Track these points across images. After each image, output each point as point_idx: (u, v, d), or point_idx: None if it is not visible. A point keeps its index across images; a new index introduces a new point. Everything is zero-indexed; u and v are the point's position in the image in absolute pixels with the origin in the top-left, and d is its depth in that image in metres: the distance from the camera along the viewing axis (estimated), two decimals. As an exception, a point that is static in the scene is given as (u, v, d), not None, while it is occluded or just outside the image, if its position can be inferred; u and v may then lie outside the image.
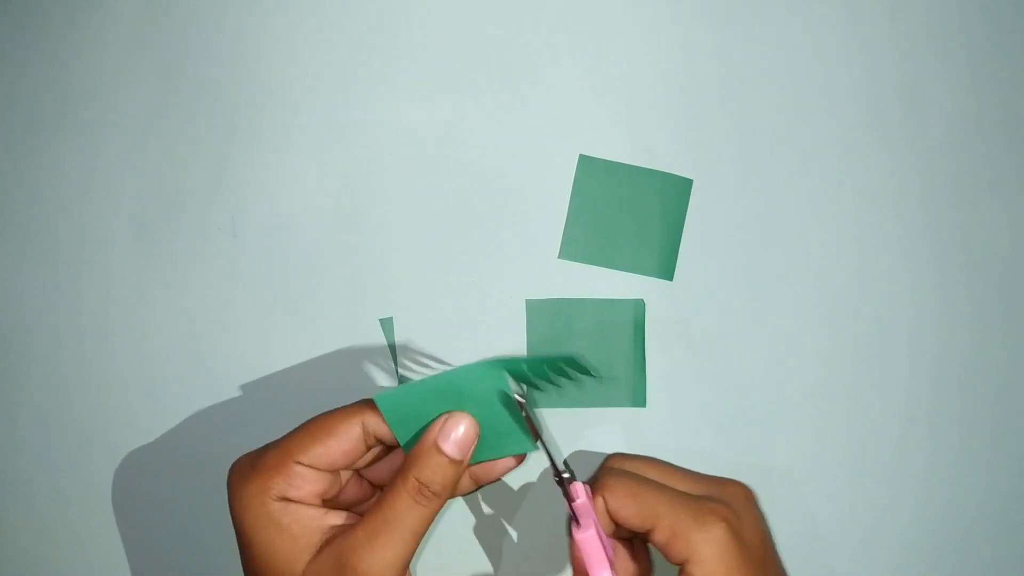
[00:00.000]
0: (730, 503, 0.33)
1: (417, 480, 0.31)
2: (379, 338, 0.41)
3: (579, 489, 0.33)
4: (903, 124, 0.42)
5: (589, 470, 0.35)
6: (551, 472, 0.33)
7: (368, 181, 0.42)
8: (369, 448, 0.33)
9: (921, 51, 0.42)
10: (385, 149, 0.42)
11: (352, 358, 0.41)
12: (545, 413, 0.41)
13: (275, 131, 0.42)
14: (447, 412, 0.32)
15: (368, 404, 0.33)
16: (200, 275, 0.42)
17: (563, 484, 0.33)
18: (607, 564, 0.32)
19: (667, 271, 0.41)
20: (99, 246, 0.42)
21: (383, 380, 0.41)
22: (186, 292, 0.42)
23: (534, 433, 0.33)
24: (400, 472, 0.32)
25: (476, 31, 0.42)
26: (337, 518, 0.33)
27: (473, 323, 0.41)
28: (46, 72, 0.43)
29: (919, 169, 0.42)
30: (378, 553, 0.31)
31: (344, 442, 0.32)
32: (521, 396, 0.32)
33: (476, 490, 0.36)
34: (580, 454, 0.41)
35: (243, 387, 0.41)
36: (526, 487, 0.41)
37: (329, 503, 0.34)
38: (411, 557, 0.32)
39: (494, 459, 0.34)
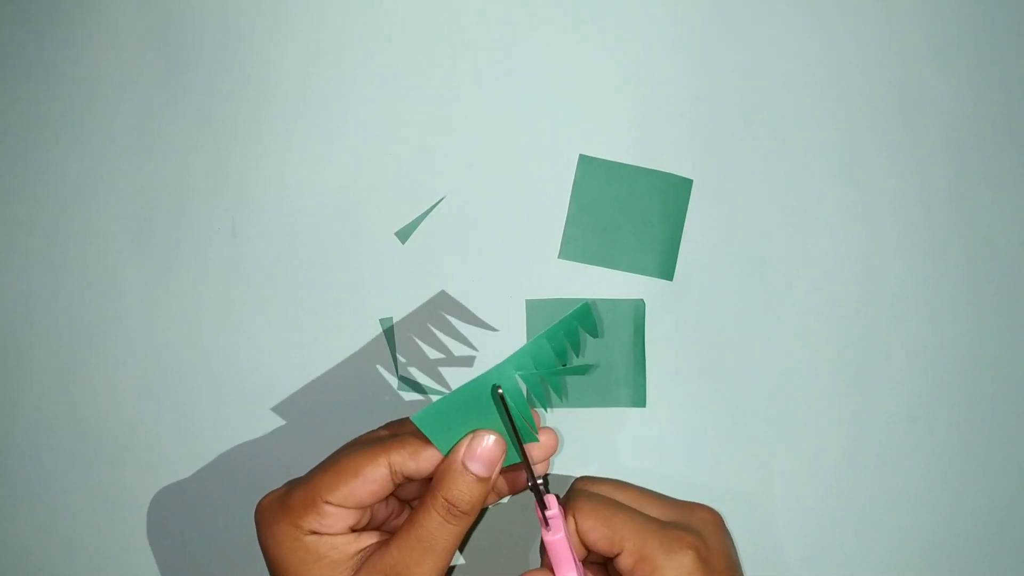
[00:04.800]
0: (699, 530, 0.33)
1: (446, 500, 0.32)
2: (379, 338, 0.41)
3: (552, 501, 0.33)
4: (903, 124, 0.42)
5: (586, 471, 0.35)
6: (527, 478, 0.34)
7: (368, 181, 0.42)
8: (398, 485, 0.34)
9: (921, 51, 0.42)
10: (385, 149, 0.42)
11: (352, 358, 0.41)
12: (544, 413, 0.41)
13: (275, 131, 0.42)
14: (473, 431, 0.33)
15: (392, 442, 0.33)
16: (200, 275, 0.42)
17: (537, 490, 0.33)
18: (573, 565, 0.33)
19: (667, 271, 0.41)
20: (100, 246, 0.42)
21: (383, 380, 0.41)
22: (186, 292, 0.42)
23: (516, 436, 0.33)
24: (429, 491, 0.32)
25: (476, 31, 0.42)
26: (368, 539, 0.33)
27: (473, 323, 0.41)
28: (46, 72, 0.43)
29: (919, 169, 0.42)
30: (414, 569, 0.32)
31: (371, 483, 0.33)
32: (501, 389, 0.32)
33: (499, 501, 0.36)
34: (577, 456, 0.41)
35: (243, 387, 0.41)
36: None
37: (359, 526, 0.34)
38: (444, 570, 0.32)
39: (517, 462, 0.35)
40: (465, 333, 0.41)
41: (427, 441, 0.33)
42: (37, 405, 0.42)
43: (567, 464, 0.41)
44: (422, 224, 0.42)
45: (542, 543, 0.34)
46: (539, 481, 0.33)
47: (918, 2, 0.42)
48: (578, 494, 0.34)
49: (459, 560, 0.41)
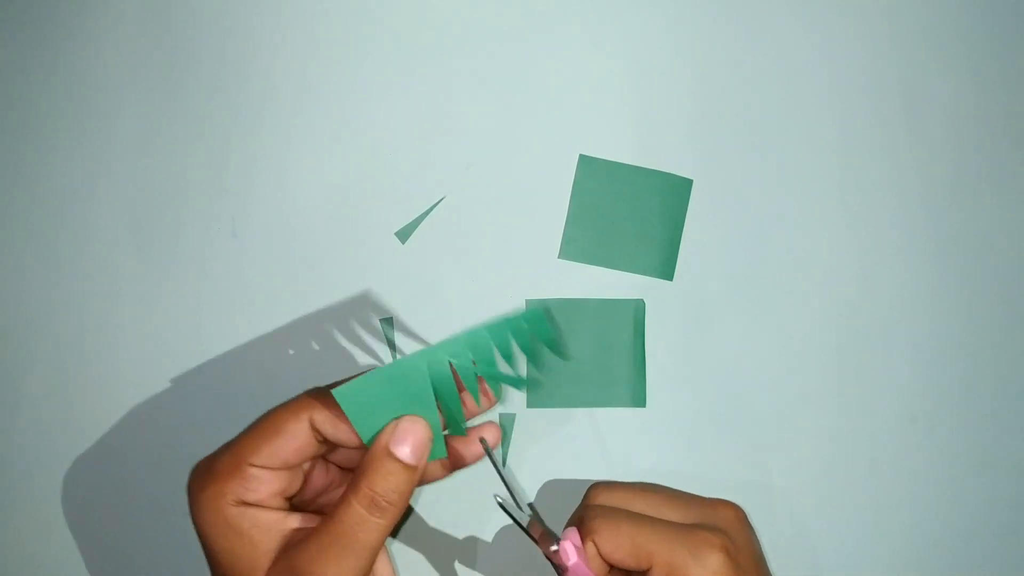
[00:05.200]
0: (725, 529, 0.32)
1: (371, 491, 0.30)
2: (379, 338, 0.41)
3: (569, 550, 0.31)
4: (903, 124, 0.42)
5: (581, 482, 0.35)
6: (540, 548, 0.32)
7: (368, 181, 0.42)
8: (321, 443, 0.32)
9: (922, 51, 0.42)
10: (385, 149, 0.42)
11: (352, 358, 0.41)
12: (545, 414, 0.41)
13: (275, 131, 0.42)
14: (397, 417, 0.30)
15: (315, 397, 0.31)
16: (200, 275, 0.42)
17: (551, 559, 0.31)
18: None
19: (667, 271, 0.41)
20: (100, 246, 0.42)
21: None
22: (186, 292, 0.42)
23: (516, 523, 0.32)
24: (351, 483, 0.30)
25: (476, 31, 0.42)
26: (297, 521, 0.31)
27: (473, 323, 0.41)
28: (46, 72, 0.43)
29: (919, 169, 0.42)
30: (330, 569, 0.29)
31: (294, 440, 0.31)
32: (500, 498, 0.32)
33: (449, 475, 0.35)
34: (577, 457, 0.41)
35: (243, 386, 0.41)
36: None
37: (295, 497, 0.33)
38: (368, 570, 0.30)
39: (457, 435, 0.33)
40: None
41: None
42: (37, 405, 0.42)
43: (568, 465, 0.41)
44: (422, 224, 0.42)
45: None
46: (553, 548, 0.31)
47: (918, 2, 0.42)
48: (593, 512, 0.33)
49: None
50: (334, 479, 0.35)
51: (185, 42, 0.43)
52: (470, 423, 0.35)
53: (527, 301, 0.41)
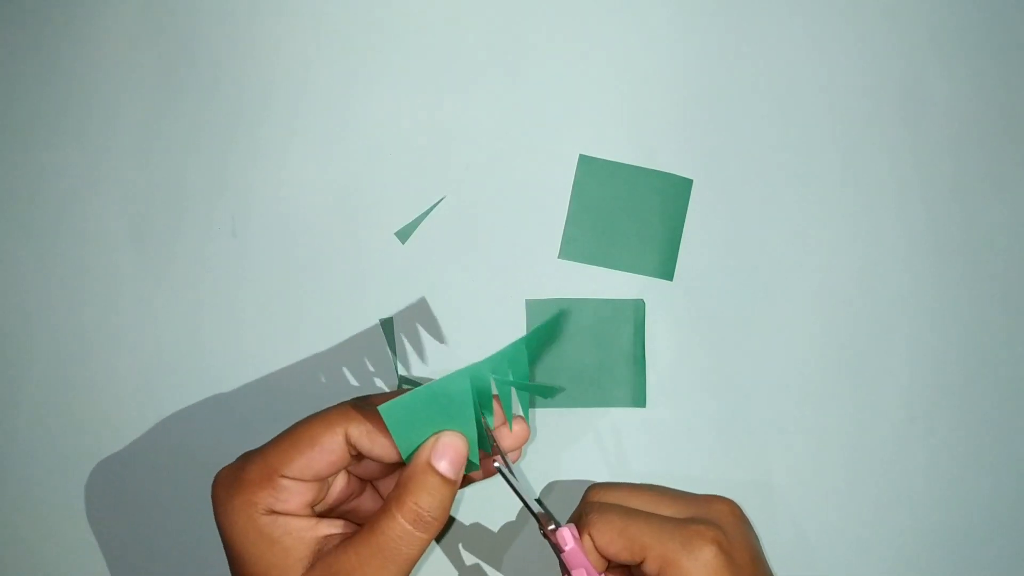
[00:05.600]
0: (718, 523, 0.32)
1: (417, 506, 0.30)
2: (379, 338, 0.41)
3: (566, 536, 0.32)
4: (903, 124, 0.42)
5: (582, 481, 0.35)
6: (537, 527, 0.33)
7: (368, 181, 0.42)
8: (354, 456, 0.32)
9: (922, 50, 0.42)
10: (385, 149, 0.42)
11: (352, 358, 0.41)
12: (545, 413, 0.41)
13: (275, 131, 0.42)
14: (437, 432, 0.31)
15: (350, 410, 0.32)
16: (201, 275, 0.42)
17: (549, 537, 0.32)
18: None
19: (667, 271, 0.41)
20: (99, 246, 0.42)
21: (383, 380, 0.41)
22: (186, 292, 0.42)
23: (517, 495, 0.32)
24: (394, 497, 0.30)
25: (476, 31, 0.42)
26: (328, 527, 0.31)
27: (473, 323, 0.41)
28: (46, 72, 0.43)
29: (919, 169, 0.42)
30: None
31: (328, 453, 0.31)
32: (497, 462, 0.32)
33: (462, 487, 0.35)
34: (577, 457, 0.41)
35: (243, 387, 0.41)
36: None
37: (318, 506, 0.33)
38: None
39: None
40: (465, 333, 0.41)
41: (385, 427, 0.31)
42: (37, 405, 0.42)
43: (568, 465, 0.41)
44: (422, 224, 0.42)
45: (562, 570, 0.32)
46: (551, 527, 0.32)
47: (918, 2, 0.42)
48: (590, 507, 0.33)
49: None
50: (354, 489, 0.35)
51: (185, 42, 0.43)
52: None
53: (527, 301, 0.41)
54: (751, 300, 0.41)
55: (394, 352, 0.41)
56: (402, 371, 0.41)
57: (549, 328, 0.34)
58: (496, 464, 0.33)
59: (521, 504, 0.33)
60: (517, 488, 0.32)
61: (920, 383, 0.41)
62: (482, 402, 0.32)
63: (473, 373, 0.31)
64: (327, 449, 0.31)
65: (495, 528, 0.41)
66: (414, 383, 0.41)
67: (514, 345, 0.32)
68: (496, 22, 0.42)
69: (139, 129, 0.42)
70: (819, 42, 0.42)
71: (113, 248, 0.42)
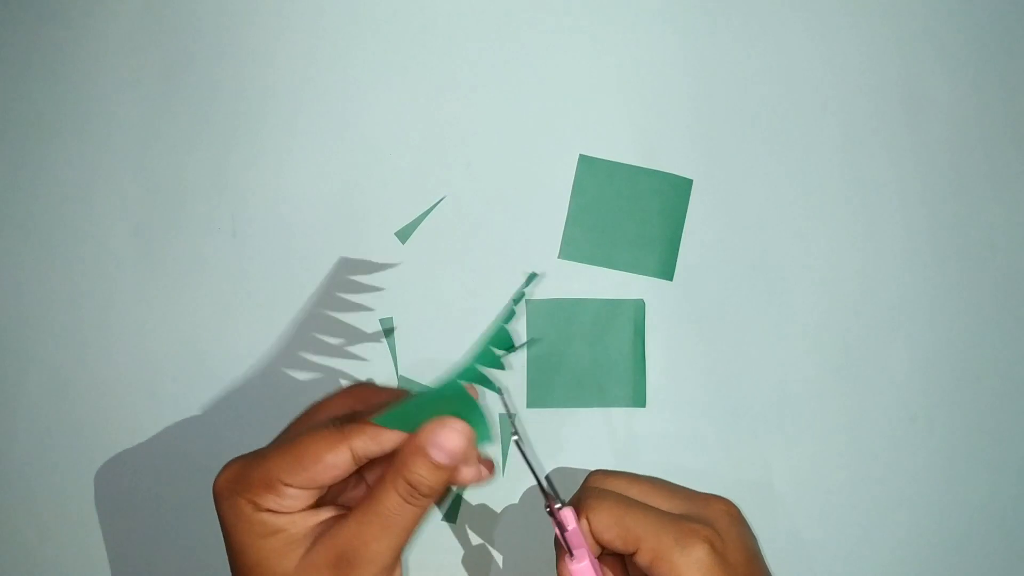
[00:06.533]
0: (713, 522, 0.33)
1: (407, 481, 0.31)
2: (379, 338, 0.41)
3: (569, 516, 0.33)
4: (903, 124, 0.42)
5: (581, 478, 0.35)
6: (543, 502, 0.33)
7: (368, 181, 0.42)
8: (358, 465, 0.33)
9: (922, 51, 0.42)
10: (385, 149, 0.42)
11: (352, 358, 0.41)
12: (545, 414, 0.41)
13: (275, 131, 0.42)
14: (440, 417, 0.32)
15: (351, 428, 0.32)
16: (200, 275, 0.42)
17: (554, 514, 0.33)
18: None
19: (667, 271, 0.41)
20: (99, 246, 0.42)
21: (384, 380, 0.41)
22: (186, 292, 0.42)
23: (529, 468, 0.33)
24: (391, 470, 0.32)
25: (476, 31, 0.42)
26: (326, 512, 0.33)
27: (473, 323, 0.41)
28: (46, 72, 0.43)
29: (919, 169, 0.42)
30: (372, 544, 0.31)
31: (332, 469, 0.32)
32: (516, 435, 0.33)
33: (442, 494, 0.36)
34: (577, 456, 0.41)
35: (243, 387, 0.41)
36: (511, 508, 0.41)
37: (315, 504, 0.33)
38: (402, 547, 0.32)
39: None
40: (465, 333, 0.41)
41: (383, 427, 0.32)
42: (36, 404, 0.42)
43: (567, 465, 0.41)
44: (422, 224, 0.42)
45: (559, 559, 0.33)
46: (556, 505, 0.33)
47: (918, 2, 0.42)
48: (589, 492, 0.34)
49: (479, 559, 0.41)
50: (350, 482, 0.36)
51: (185, 42, 0.43)
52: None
53: (527, 301, 0.41)
54: (751, 300, 0.41)
55: (394, 352, 0.41)
56: (402, 371, 0.41)
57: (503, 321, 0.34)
58: (515, 438, 0.34)
59: (523, 489, 0.33)
60: (531, 462, 0.33)
61: (920, 383, 0.41)
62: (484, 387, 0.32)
63: (460, 371, 0.31)
64: (331, 464, 0.32)
65: (498, 508, 0.41)
66: (414, 383, 0.41)
67: (498, 330, 0.32)
68: (496, 22, 0.42)
69: (139, 129, 0.42)
70: (819, 42, 0.42)
71: (113, 248, 0.42)
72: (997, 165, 0.42)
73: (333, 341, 0.41)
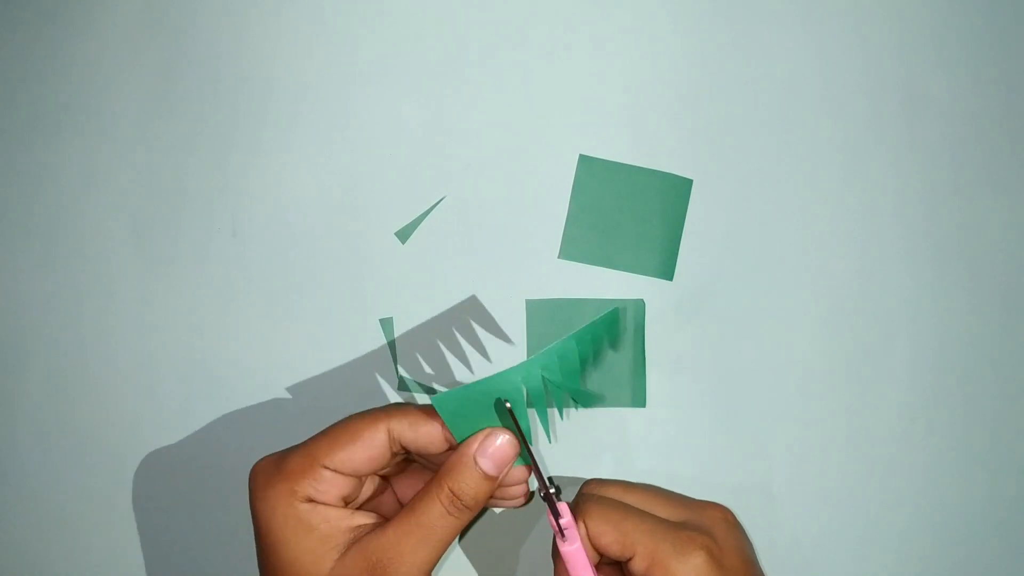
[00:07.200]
0: (710, 529, 0.33)
1: (452, 491, 0.32)
2: (379, 338, 0.41)
3: (565, 508, 0.33)
4: (904, 124, 0.42)
5: (582, 478, 0.35)
6: (538, 487, 0.33)
7: (368, 181, 0.42)
8: (395, 455, 0.33)
9: (922, 50, 0.42)
10: (385, 149, 0.42)
11: (352, 358, 0.41)
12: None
13: (275, 131, 0.42)
14: (489, 428, 0.32)
15: (393, 409, 0.33)
16: (200, 275, 0.42)
17: (550, 499, 0.33)
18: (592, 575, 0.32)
19: (667, 271, 0.41)
20: (99, 246, 0.42)
21: (383, 380, 0.41)
22: (186, 292, 0.42)
23: (524, 443, 0.33)
24: (435, 480, 0.32)
25: (476, 30, 0.42)
26: (364, 518, 0.33)
27: (473, 323, 0.41)
28: (46, 72, 0.43)
29: (919, 169, 0.42)
30: (407, 556, 0.31)
31: (369, 448, 0.32)
32: (507, 402, 0.32)
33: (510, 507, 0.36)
34: (577, 456, 0.41)
35: (243, 387, 0.41)
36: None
37: (351, 502, 0.34)
38: (438, 560, 0.32)
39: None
40: (465, 333, 0.41)
41: (429, 416, 0.32)
42: (36, 405, 0.42)
43: (568, 465, 0.41)
44: (422, 224, 0.42)
45: (555, 552, 0.33)
46: (552, 490, 0.33)
47: (918, 2, 0.42)
48: (587, 499, 0.34)
49: (472, 572, 0.41)
50: (379, 489, 0.36)
51: (184, 42, 0.43)
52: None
53: (527, 301, 0.41)
54: (751, 300, 0.41)
55: (394, 352, 0.41)
56: (402, 371, 0.41)
57: (602, 327, 0.34)
58: (507, 405, 0.33)
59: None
60: (527, 443, 0.33)
61: (920, 383, 0.41)
62: (536, 402, 0.32)
63: (525, 372, 0.32)
64: (368, 443, 0.32)
65: (498, 508, 0.41)
66: (414, 383, 0.41)
67: (565, 342, 0.32)
68: (496, 22, 0.42)
69: (139, 129, 0.42)
70: (819, 42, 0.42)
71: (113, 248, 0.42)
72: (997, 165, 0.42)
73: (333, 341, 0.41)
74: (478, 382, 0.32)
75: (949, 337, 0.41)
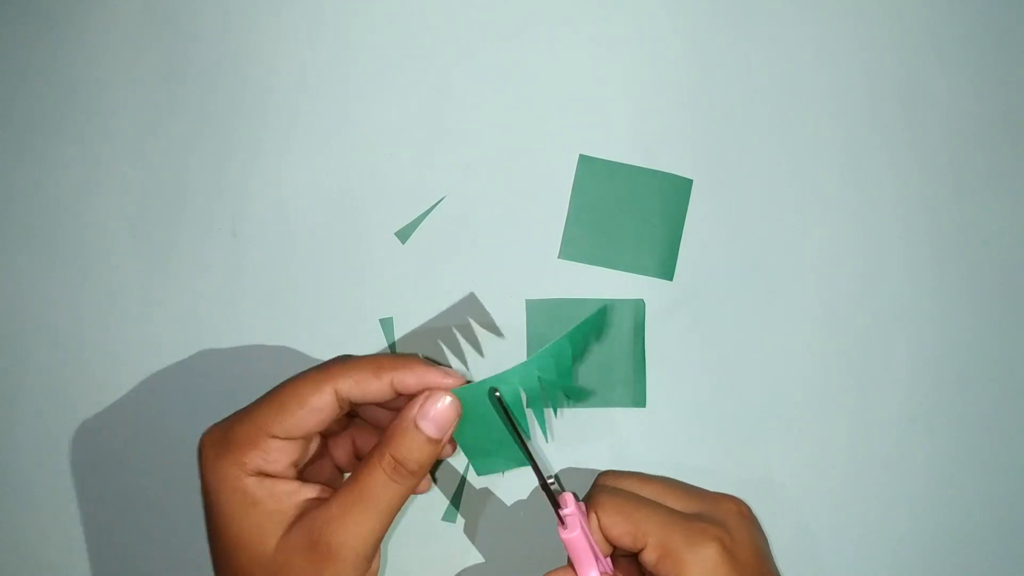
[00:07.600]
0: (723, 521, 0.33)
1: (393, 457, 0.31)
2: (379, 338, 0.41)
3: (568, 499, 0.33)
4: (904, 124, 0.42)
5: (583, 478, 0.35)
6: (537, 480, 0.33)
7: (368, 181, 0.42)
8: (343, 411, 0.33)
9: (922, 50, 0.42)
10: (385, 149, 0.42)
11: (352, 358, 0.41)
12: (545, 413, 0.41)
13: (275, 131, 0.42)
14: (428, 391, 0.32)
15: (335, 368, 0.32)
16: (200, 275, 0.42)
17: (548, 490, 0.33)
18: (594, 562, 0.32)
19: (667, 271, 0.41)
20: (99, 246, 0.42)
21: (383, 380, 0.41)
22: (186, 292, 0.42)
23: (520, 438, 0.32)
24: (376, 448, 0.31)
25: (476, 31, 0.42)
26: (311, 491, 0.32)
27: (473, 323, 0.41)
28: (46, 72, 0.43)
29: (919, 169, 0.42)
30: (351, 528, 0.30)
31: (318, 412, 0.31)
32: (499, 394, 0.32)
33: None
34: (578, 456, 0.41)
35: (243, 386, 0.41)
36: (519, 504, 0.41)
37: (300, 472, 0.33)
38: (384, 533, 0.31)
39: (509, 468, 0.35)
40: (465, 333, 0.41)
41: (374, 373, 0.32)
42: (36, 405, 0.42)
43: (567, 465, 0.41)
44: (422, 224, 0.42)
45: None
46: (550, 481, 0.33)
47: (918, 2, 0.42)
48: (599, 490, 0.34)
49: (480, 559, 0.41)
50: (332, 469, 0.36)
51: (184, 42, 0.43)
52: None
53: (527, 301, 0.41)
54: (751, 300, 0.41)
55: (394, 352, 0.41)
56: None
57: (592, 324, 0.34)
58: (497, 394, 0.32)
59: (526, 490, 0.33)
60: (521, 435, 0.33)
61: (920, 383, 0.41)
62: (531, 401, 0.32)
63: (522, 373, 0.32)
64: (316, 408, 0.32)
65: (498, 508, 0.41)
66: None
67: (558, 343, 0.32)
68: (496, 22, 0.42)
69: (139, 129, 0.42)
70: (819, 42, 0.42)
71: (113, 248, 0.42)
72: (997, 165, 0.42)
73: (333, 341, 0.41)
74: (475, 384, 0.32)
75: (949, 337, 0.41)
